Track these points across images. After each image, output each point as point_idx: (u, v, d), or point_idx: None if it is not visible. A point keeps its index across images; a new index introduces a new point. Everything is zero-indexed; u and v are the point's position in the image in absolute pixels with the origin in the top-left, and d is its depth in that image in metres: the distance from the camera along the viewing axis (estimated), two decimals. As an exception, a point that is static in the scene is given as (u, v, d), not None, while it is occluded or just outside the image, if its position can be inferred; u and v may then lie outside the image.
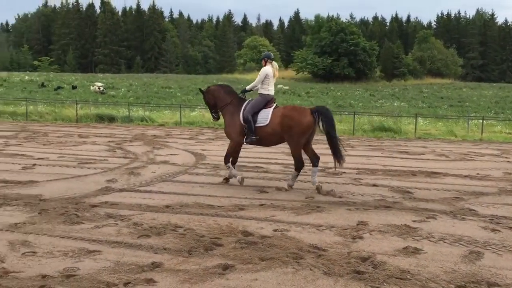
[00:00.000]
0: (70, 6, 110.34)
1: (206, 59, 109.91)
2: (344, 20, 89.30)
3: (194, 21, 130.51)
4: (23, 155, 11.58)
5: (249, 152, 12.94)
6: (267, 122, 8.45)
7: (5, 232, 5.63)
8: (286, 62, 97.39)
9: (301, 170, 8.52)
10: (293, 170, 8.55)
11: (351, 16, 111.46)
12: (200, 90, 9.82)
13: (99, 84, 43.65)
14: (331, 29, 78.21)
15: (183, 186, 8.51)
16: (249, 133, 8.54)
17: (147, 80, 58.23)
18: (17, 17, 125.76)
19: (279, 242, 5.42)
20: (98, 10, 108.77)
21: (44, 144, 13.74)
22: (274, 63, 8.94)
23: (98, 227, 5.90)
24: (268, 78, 8.72)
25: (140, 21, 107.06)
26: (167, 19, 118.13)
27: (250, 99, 8.96)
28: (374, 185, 8.95)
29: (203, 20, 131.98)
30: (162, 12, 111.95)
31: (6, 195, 7.38)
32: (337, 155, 8.26)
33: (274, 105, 8.73)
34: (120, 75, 70.93)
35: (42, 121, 21.75)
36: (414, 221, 6.48)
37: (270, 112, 8.51)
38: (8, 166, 10.04)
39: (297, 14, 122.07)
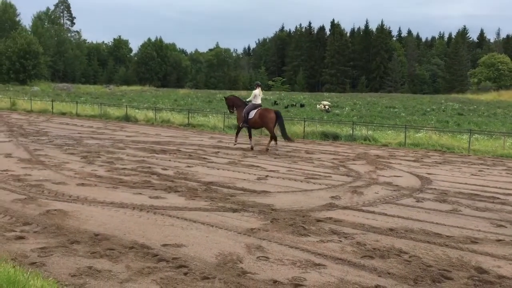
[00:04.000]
0: (303, 29, 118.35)
1: (434, 78, 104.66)
2: None
3: (424, 39, 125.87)
4: (258, 166, 12.76)
5: (485, 181, 11.77)
6: (252, 116, 16.36)
7: (243, 235, 6.29)
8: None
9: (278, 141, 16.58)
10: (271, 142, 16.70)
11: None
12: (224, 97, 18.93)
13: (326, 102, 45.44)
14: None
15: (407, 210, 8.20)
16: (244, 122, 16.59)
17: (371, 100, 58.35)
18: (257, 41, 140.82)
19: (522, 286, 4.75)
20: (328, 32, 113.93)
21: (275, 158, 14.89)
22: (260, 87, 16.92)
23: (323, 241, 6.10)
24: (256, 95, 16.57)
25: (367, 41, 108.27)
26: (394, 38, 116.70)
27: (248, 104, 16.75)
28: None
29: (433, 38, 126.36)
30: (390, 32, 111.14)
31: (245, 202, 8.25)
32: (285, 137, 16.31)
33: (259, 108, 16.49)
34: (345, 94, 72.70)
35: (274, 136, 23.65)
36: None
37: (255, 111, 16.35)
38: (246, 175, 11.21)
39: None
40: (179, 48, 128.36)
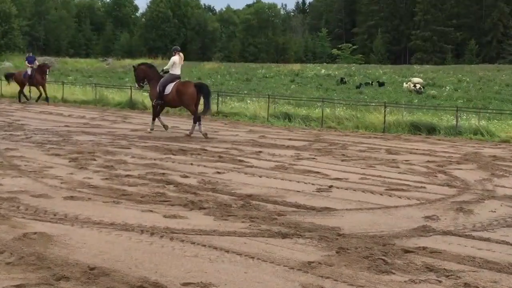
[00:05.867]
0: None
1: None
2: None
3: None
4: (317, 172, 12.73)
5: None
6: (169, 92, 18.48)
7: (297, 271, 6.30)
8: None
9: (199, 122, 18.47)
10: (193, 123, 18.63)
11: None
12: (133, 66, 21.82)
13: (416, 80, 44.76)
14: None
15: (539, 237, 7.99)
16: (158, 98, 18.80)
17: (483, 75, 57.11)
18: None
19: None
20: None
21: (342, 160, 14.83)
22: (181, 54, 19.11)
23: (414, 282, 6.05)
24: (175, 64, 18.71)
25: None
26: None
27: (165, 76, 18.98)
28: None
29: None
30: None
31: (298, 224, 8.25)
32: (206, 107, 18.73)
33: (178, 81, 18.75)
34: (445, 67, 71.41)
35: (340, 128, 23.53)
36: None
37: (172, 86, 18.50)
38: (301, 186, 11.21)
39: None
40: (204, 5, 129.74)
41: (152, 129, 19.26)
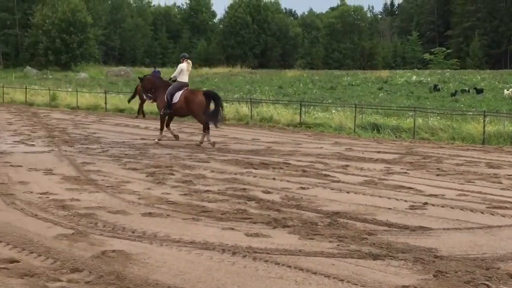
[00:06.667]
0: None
1: None
2: None
3: None
4: (410, 188, 12.55)
5: None
6: (177, 100, 19.22)
7: (391, 296, 6.21)
8: None
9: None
10: (203, 131, 19.50)
11: None
12: (139, 77, 22.78)
13: (518, 86, 43.52)
14: None
15: None
16: (167, 107, 19.52)
17: None
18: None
19: None
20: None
21: (437, 175, 14.55)
22: (189, 61, 20.20)
23: (522, 310, 5.85)
24: (183, 71, 19.66)
25: None
26: None
27: (172, 84, 19.74)
28: None
29: None
30: None
31: (391, 244, 8.14)
32: (215, 121, 19.22)
33: (186, 88, 19.60)
34: (551, 72, 68.97)
35: (435, 140, 23.10)
36: None
37: (180, 94, 19.23)
38: (392, 202, 11.06)
39: None
40: (285, 9, 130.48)
41: (159, 139, 20.03)
